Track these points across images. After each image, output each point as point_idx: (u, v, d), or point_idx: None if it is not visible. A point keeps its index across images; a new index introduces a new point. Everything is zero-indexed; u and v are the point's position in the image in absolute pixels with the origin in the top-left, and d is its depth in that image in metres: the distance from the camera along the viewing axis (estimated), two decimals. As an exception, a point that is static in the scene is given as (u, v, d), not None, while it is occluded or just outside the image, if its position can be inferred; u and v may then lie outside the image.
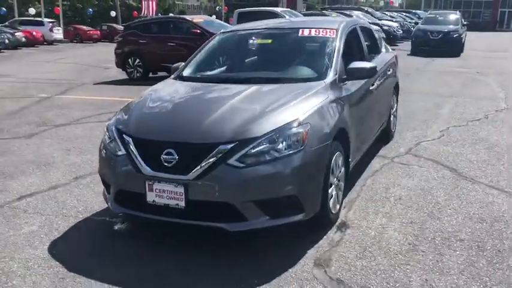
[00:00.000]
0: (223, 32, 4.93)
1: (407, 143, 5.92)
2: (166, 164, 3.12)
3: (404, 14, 32.40)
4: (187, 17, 13.32)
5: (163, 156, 3.13)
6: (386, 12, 30.36)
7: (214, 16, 27.08)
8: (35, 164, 5.30)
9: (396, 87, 6.12)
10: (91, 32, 37.27)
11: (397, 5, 71.73)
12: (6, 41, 25.23)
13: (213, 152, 3.03)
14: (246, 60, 4.58)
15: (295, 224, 3.20)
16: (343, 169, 3.76)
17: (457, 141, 5.93)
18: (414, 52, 18.67)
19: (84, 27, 38.45)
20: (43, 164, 5.30)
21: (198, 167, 3.03)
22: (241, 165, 3.01)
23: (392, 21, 24.94)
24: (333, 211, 3.59)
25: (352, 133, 3.91)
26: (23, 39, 28.27)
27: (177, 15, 18.48)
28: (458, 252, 3.19)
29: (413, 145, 5.81)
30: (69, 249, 3.39)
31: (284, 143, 3.10)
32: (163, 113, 3.54)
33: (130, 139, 3.31)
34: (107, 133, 3.55)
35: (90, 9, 48.66)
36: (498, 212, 3.82)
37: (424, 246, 3.28)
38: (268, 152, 3.06)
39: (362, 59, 4.81)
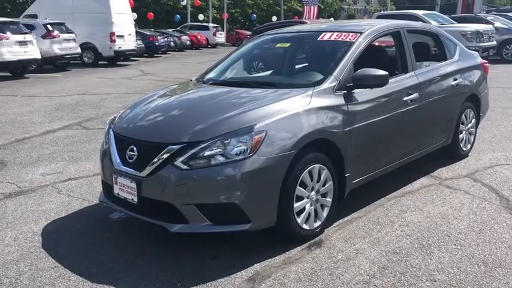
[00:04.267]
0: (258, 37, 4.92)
1: (478, 164, 5.12)
2: (129, 160, 3.28)
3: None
4: (306, 21, 13.33)
5: (128, 152, 3.30)
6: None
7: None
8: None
9: (474, 100, 5.32)
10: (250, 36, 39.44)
11: None
12: (172, 43, 28.16)
13: (162, 151, 3.09)
14: (255, 64, 4.50)
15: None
16: (329, 184, 3.47)
17: (543, 169, 4.94)
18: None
19: (246, 32, 40.87)
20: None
21: (150, 165, 3.12)
22: (186, 167, 3.01)
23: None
24: (306, 227, 3.35)
25: (353, 146, 3.58)
26: (188, 42, 31.30)
27: (296, 20, 18.51)
28: (418, 294, 2.73)
29: (482, 168, 5.01)
30: (59, 228, 3.76)
31: (233, 148, 3.01)
32: (143, 112, 3.68)
33: (112, 134, 3.55)
34: (106, 127, 3.85)
35: (254, 15, 51.49)
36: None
37: (382, 281, 2.87)
38: (215, 156, 3.00)
39: (403, 66, 4.36)
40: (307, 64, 4.15)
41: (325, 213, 3.50)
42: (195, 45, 32.71)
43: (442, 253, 3.19)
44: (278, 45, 4.46)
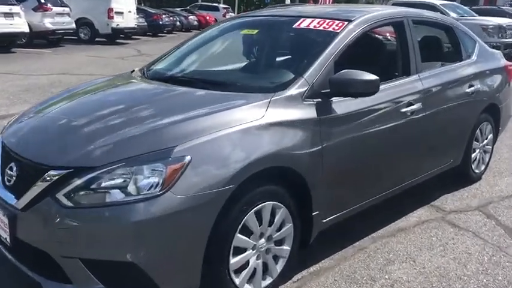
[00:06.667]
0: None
1: (493, 192, 4.14)
2: (7, 181, 2.36)
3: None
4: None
5: (7, 170, 2.37)
6: None
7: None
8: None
9: (493, 111, 4.31)
10: (262, 19, 38.23)
11: None
12: (178, 23, 27.07)
13: (42, 177, 2.16)
14: (214, 55, 3.50)
15: None
16: (288, 227, 2.53)
17: None
18: None
19: (257, 15, 39.66)
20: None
21: (27, 194, 2.19)
22: (69, 203, 2.07)
23: None
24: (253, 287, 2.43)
25: (325, 175, 2.63)
26: (195, 23, 30.15)
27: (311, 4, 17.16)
28: None
29: (498, 197, 4.02)
30: None
31: (139, 180, 2.07)
32: (41, 116, 2.74)
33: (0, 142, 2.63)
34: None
35: (268, -1, 49.97)
36: None
37: None
38: (111, 191, 2.06)
39: (404, 66, 3.37)
40: (273, 59, 3.17)
41: (279, 267, 2.56)
42: (203, 26, 31.48)
43: None
44: (243, 31, 3.47)
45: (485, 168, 4.50)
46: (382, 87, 3.01)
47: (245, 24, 3.52)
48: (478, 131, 4.17)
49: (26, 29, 13.57)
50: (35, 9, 14.82)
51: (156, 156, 2.10)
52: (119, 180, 2.07)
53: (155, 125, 2.26)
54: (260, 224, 2.39)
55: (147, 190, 2.05)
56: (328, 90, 2.68)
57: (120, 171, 2.07)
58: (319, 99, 2.67)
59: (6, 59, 12.21)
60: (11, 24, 13.04)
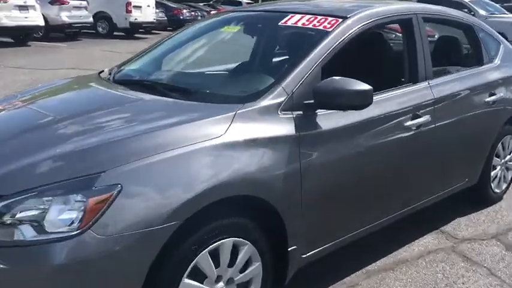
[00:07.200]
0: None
1: (515, 217, 3.61)
2: None
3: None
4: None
5: None
6: None
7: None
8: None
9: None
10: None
11: None
12: (199, 18, 26.79)
13: None
14: (191, 56, 3.05)
15: None
16: (255, 267, 2.10)
17: None
18: None
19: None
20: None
21: None
22: (-30, 240, 1.69)
23: None
24: None
25: (305, 203, 2.19)
26: (217, 18, 29.89)
27: None
28: None
29: (521, 224, 3.50)
30: None
31: (50, 215, 1.66)
32: None
33: None
34: None
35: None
36: None
37: None
38: (21, 226, 1.66)
39: (412, 72, 2.88)
40: (251, 63, 2.73)
41: (244, 315, 2.13)
42: (226, 21, 31.26)
43: None
44: (224, 28, 3.02)
45: (507, 188, 3.96)
46: (382, 96, 2.57)
47: (228, 20, 3.08)
48: (499, 146, 3.64)
49: (41, 23, 13.41)
50: (52, 3, 14.68)
51: (76, 184, 1.68)
52: (30, 213, 1.66)
53: (83, 144, 1.84)
54: (217, 265, 1.96)
55: (63, 227, 1.64)
56: (312, 101, 2.23)
57: (32, 203, 1.67)
58: (300, 112, 2.22)
59: (20, 52, 12.07)
60: (26, 18, 12.89)
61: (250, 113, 2.10)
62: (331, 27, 2.52)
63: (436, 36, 4.69)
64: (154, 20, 19.12)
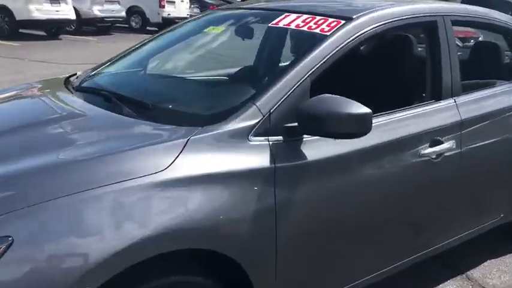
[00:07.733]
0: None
1: (561, 262, 3.00)
2: None
3: None
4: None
5: None
6: None
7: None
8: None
9: None
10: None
11: None
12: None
13: None
14: (169, 61, 2.60)
15: None
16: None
17: None
18: None
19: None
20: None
21: None
22: None
23: None
24: None
25: (281, 257, 1.71)
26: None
27: None
28: None
29: None
30: None
31: None
32: None
33: None
34: None
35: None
36: None
37: None
38: None
39: (434, 87, 2.35)
40: (229, 73, 2.25)
41: None
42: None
43: None
44: (208, 29, 2.55)
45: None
46: (391, 117, 2.06)
47: (216, 19, 2.61)
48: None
49: (73, 16, 13.36)
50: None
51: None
52: None
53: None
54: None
55: None
56: (295, 125, 1.75)
57: None
58: (279, 138, 1.74)
59: (49, 46, 12.02)
60: (57, 11, 12.86)
61: (208, 139, 1.63)
62: (329, 30, 2.01)
63: (480, 39, 4.17)
64: (188, 16, 18.87)
